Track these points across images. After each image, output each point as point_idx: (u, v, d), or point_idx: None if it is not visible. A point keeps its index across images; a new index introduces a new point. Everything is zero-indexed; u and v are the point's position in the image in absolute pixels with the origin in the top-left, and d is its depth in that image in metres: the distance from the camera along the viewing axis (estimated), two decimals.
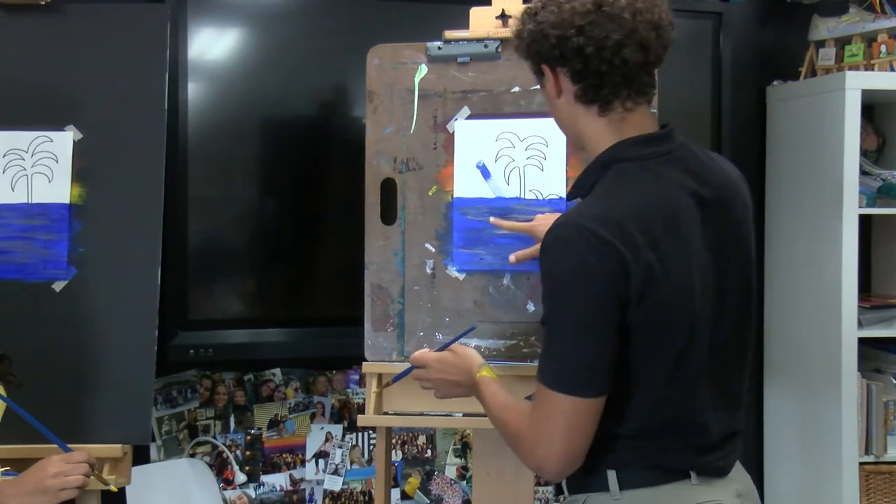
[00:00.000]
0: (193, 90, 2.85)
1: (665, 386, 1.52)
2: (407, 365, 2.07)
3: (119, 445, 2.13)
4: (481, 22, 2.36)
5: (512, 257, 2.19)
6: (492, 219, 2.26)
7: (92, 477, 1.91)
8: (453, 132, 2.35)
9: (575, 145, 1.71)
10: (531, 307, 2.27)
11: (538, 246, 2.02)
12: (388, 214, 2.35)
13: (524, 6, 1.65)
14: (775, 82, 3.39)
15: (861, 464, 3.06)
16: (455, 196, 2.34)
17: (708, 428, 1.57)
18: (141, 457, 2.83)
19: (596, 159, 1.60)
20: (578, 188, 1.62)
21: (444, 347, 1.93)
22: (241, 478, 3.07)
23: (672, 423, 1.54)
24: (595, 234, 1.45)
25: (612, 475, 1.56)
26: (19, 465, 2.00)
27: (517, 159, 2.33)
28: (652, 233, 1.48)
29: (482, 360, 1.85)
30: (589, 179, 1.59)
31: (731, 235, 1.59)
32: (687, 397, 1.54)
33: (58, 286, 2.24)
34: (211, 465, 3.05)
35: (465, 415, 2.29)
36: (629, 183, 1.54)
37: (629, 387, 1.52)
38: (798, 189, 3.24)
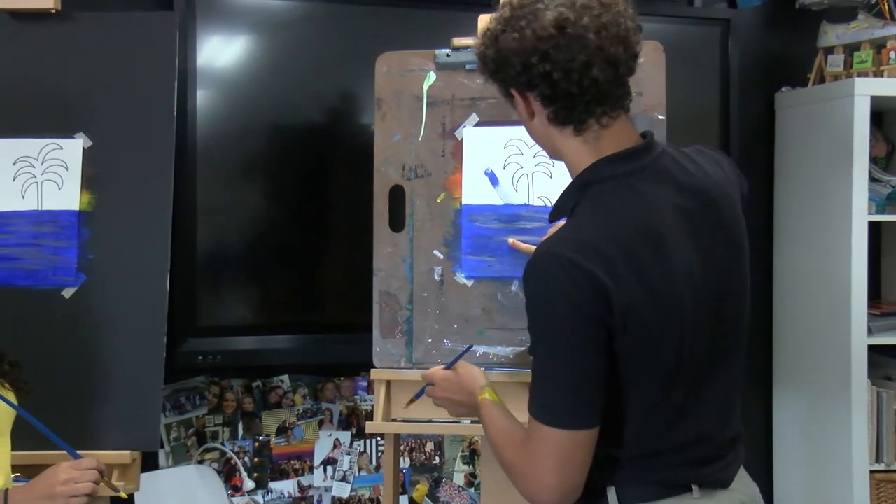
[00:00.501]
0: (202, 97, 2.85)
1: (660, 407, 1.50)
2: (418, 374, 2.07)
3: (128, 452, 2.13)
4: None
5: (510, 239, 2.21)
6: (510, 240, 2.27)
7: (101, 483, 1.91)
8: (461, 139, 2.35)
9: (556, 158, 1.66)
10: None
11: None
12: (397, 221, 2.35)
13: (484, 27, 1.59)
14: (784, 89, 3.39)
15: (872, 472, 3.05)
16: (463, 203, 2.34)
17: (708, 439, 1.56)
18: (149, 463, 2.84)
19: (574, 180, 1.57)
20: (559, 210, 1.59)
21: (450, 365, 1.91)
22: (249, 484, 3.07)
23: (671, 441, 1.53)
24: (575, 263, 1.42)
25: (611, 492, 1.54)
26: (30, 472, 2.00)
27: (525, 166, 2.33)
28: (634, 257, 1.45)
29: (486, 380, 1.81)
30: (569, 201, 1.56)
31: (721, 239, 1.56)
32: (684, 414, 1.52)
33: (67, 293, 2.24)
34: (219, 472, 3.05)
35: (473, 422, 2.29)
36: (608, 206, 1.50)
37: (623, 411, 1.50)
38: (807, 196, 3.24)
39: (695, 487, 1.54)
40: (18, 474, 1.93)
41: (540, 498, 1.50)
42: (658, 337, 1.47)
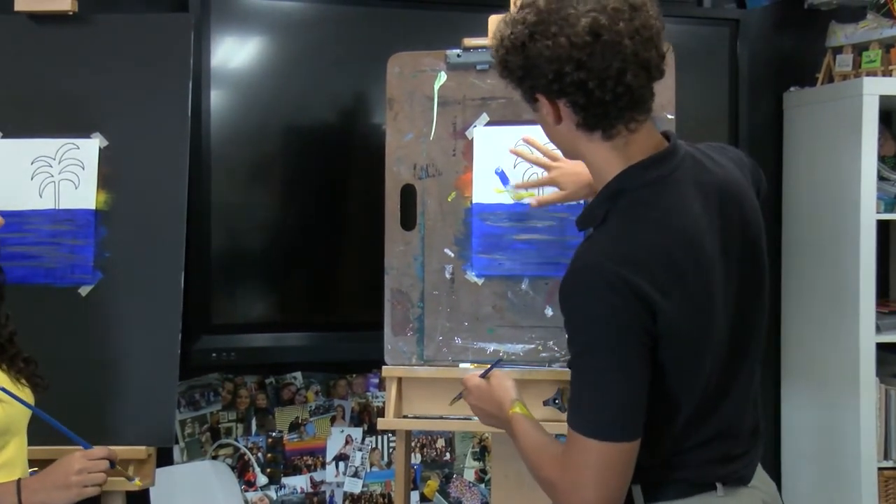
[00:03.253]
0: (216, 97, 2.88)
1: (690, 410, 1.51)
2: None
3: (143, 447, 2.16)
4: None
5: (534, 201, 2.18)
6: (511, 148, 2.25)
7: (116, 472, 1.93)
8: (472, 139, 2.38)
9: (575, 160, 1.66)
10: (549, 311, 2.30)
11: (561, 193, 2.06)
12: (408, 220, 2.38)
13: (502, 30, 1.53)
14: (792, 88, 3.40)
15: (880, 469, 3.06)
16: (474, 202, 2.36)
17: (731, 435, 1.57)
18: (164, 458, 2.86)
19: (604, 189, 1.53)
20: (589, 219, 1.56)
21: (486, 374, 1.85)
22: (262, 480, 3.10)
23: (696, 439, 1.53)
24: (619, 276, 1.41)
25: (637, 490, 1.54)
26: (46, 466, 2.04)
27: (535, 165, 2.35)
28: (675, 266, 1.45)
29: (516, 394, 1.76)
30: (600, 210, 1.53)
31: (742, 236, 1.56)
32: (710, 413, 1.53)
33: (84, 290, 2.27)
34: (233, 467, 3.08)
35: None
36: (644, 215, 1.49)
37: (657, 419, 1.49)
38: (815, 195, 3.25)
39: (719, 485, 1.54)
40: (36, 469, 1.96)
41: None
42: (696, 345, 1.48)
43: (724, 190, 1.56)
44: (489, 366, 1.87)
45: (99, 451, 1.78)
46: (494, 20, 2.40)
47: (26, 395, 1.84)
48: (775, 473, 3.45)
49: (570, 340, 1.47)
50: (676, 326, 1.44)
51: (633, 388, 1.44)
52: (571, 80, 1.44)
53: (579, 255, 1.49)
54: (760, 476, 1.64)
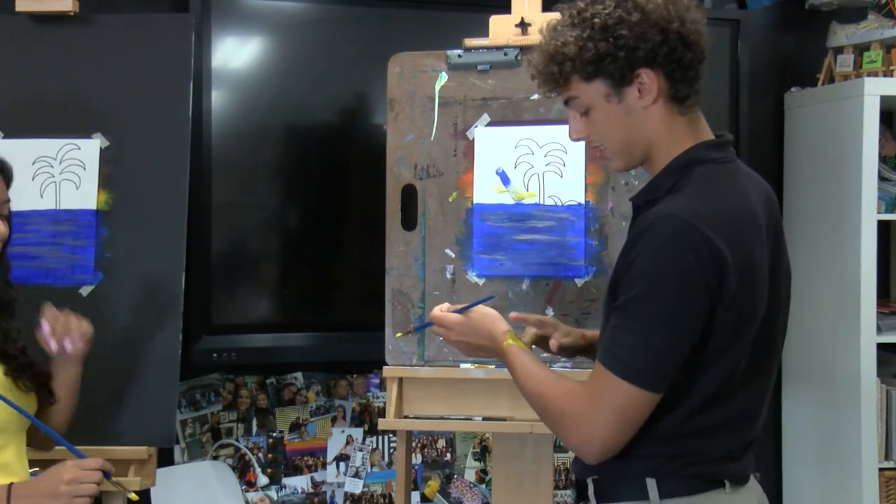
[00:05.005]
0: (217, 98, 2.88)
1: (719, 387, 1.52)
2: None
3: (144, 447, 2.17)
4: (501, 30, 2.39)
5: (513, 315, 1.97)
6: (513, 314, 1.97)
7: (111, 482, 1.93)
8: (473, 139, 2.38)
9: (629, 161, 1.65)
10: (550, 312, 2.30)
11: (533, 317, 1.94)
12: (409, 220, 2.38)
13: (584, 13, 1.57)
14: (793, 89, 3.40)
15: (881, 469, 3.05)
16: (475, 202, 2.37)
17: (748, 429, 1.59)
18: (165, 459, 2.87)
19: (673, 162, 1.58)
20: (655, 189, 1.59)
21: (464, 310, 1.80)
22: (263, 480, 3.10)
23: (718, 424, 1.55)
24: (701, 232, 1.45)
25: (651, 483, 1.55)
26: (48, 466, 2.05)
27: (536, 165, 2.35)
28: (743, 238, 1.50)
29: (507, 325, 1.76)
30: (667, 181, 1.57)
31: (777, 241, 1.62)
32: (736, 398, 1.55)
33: (85, 291, 2.28)
34: (234, 468, 3.08)
35: (484, 419, 2.31)
36: (719, 185, 1.55)
37: (684, 387, 1.51)
38: (816, 195, 3.25)
39: (727, 482, 1.56)
40: (38, 469, 1.96)
41: (588, 448, 1.52)
42: (749, 317, 1.51)
43: (768, 195, 1.64)
44: (472, 302, 1.82)
45: (92, 461, 1.74)
46: (496, 20, 2.40)
47: (29, 399, 1.83)
48: (776, 473, 3.44)
49: (629, 282, 1.49)
50: (734, 295, 1.47)
51: (678, 344, 1.47)
52: (675, 38, 1.54)
53: (657, 211, 1.51)
54: (752, 479, 1.66)
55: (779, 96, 3.44)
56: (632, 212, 1.68)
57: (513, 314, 1.89)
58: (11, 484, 1.71)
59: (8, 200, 1.82)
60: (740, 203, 1.54)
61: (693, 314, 1.46)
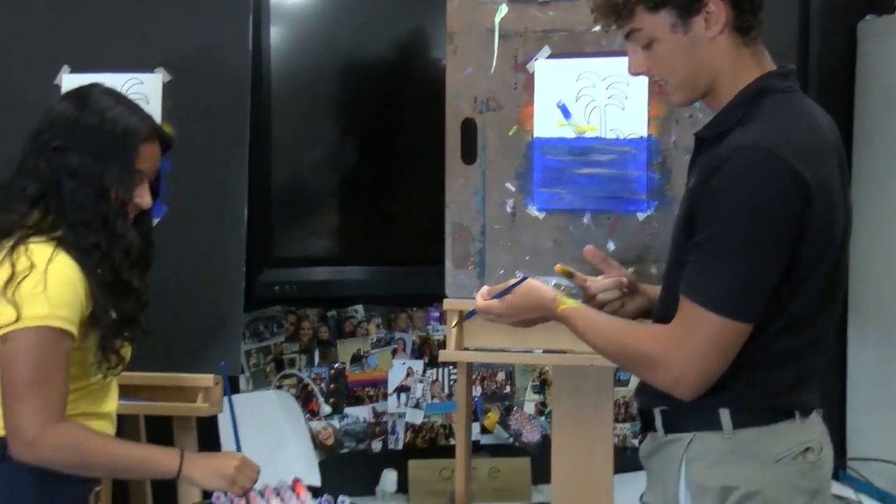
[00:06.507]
0: (276, 34, 2.89)
1: (800, 313, 1.53)
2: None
3: (211, 375, 2.22)
4: None
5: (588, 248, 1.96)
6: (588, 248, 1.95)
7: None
8: (533, 72, 2.35)
9: (691, 94, 1.64)
10: (611, 246, 2.29)
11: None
12: (469, 154, 2.37)
13: None
14: (868, 17, 3.27)
15: None
16: (535, 136, 2.35)
17: (819, 357, 1.60)
18: (232, 387, 2.93)
19: (742, 92, 1.57)
20: (723, 122, 1.58)
21: (501, 294, 1.80)
22: (326, 409, 3.17)
23: (794, 351, 1.55)
24: (782, 159, 1.45)
25: (725, 413, 1.56)
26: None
27: (598, 99, 2.32)
28: (822, 165, 1.50)
29: (553, 290, 1.76)
30: (736, 113, 1.56)
31: (842, 172, 1.60)
32: (814, 324, 1.56)
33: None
34: (297, 397, 3.15)
35: (544, 351, 2.33)
36: (792, 113, 1.54)
37: (764, 315, 1.51)
38: (889, 132, 3.15)
39: (797, 413, 1.57)
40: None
41: (683, 382, 1.52)
42: (829, 244, 1.52)
43: (832, 125, 1.62)
44: (508, 285, 1.80)
45: (254, 463, 1.84)
46: None
47: (126, 349, 1.87)
48: (839, 412, 3.41)
49: (709, 215, 1.49)
50: (816, 221, 1.48)
51: (766, 273, 1.48)
52: None
53: (732, 142, 1.50)
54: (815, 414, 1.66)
55: (851, 26, 3.31)
56: (694, 146, 1.66)
57: (558, 266, 1.90)
58: (184, 450, 1.78)
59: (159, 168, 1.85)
60: (814, 130, 1.54)
61: (779, 242, 1.46)
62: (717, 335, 1.49)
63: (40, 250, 1.68)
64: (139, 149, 1.76)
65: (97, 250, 1.72)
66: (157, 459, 1.77)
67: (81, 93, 1.81)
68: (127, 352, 1.84)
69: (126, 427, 2.26)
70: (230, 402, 1.99)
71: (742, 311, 1.48)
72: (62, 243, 1.70)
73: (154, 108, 2.34)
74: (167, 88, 2.36)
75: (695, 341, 1.50)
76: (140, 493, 2.45)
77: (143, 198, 1.80)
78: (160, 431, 2.30)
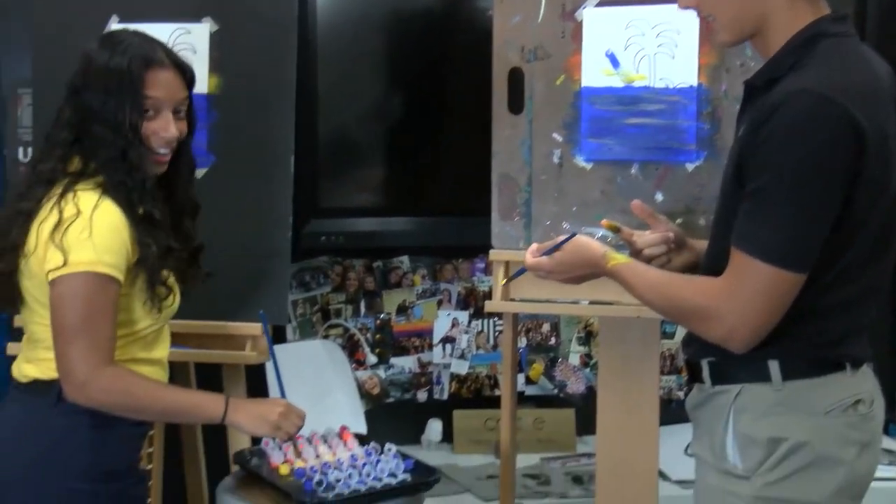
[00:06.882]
0: None
1: (853, 262, 1.51)
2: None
3: (259, 324, 2.24)
4: None
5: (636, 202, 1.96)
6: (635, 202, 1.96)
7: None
8: (582, 20, 2.32)
9: (738, 35, 1.61)
10: (659, 197, 2.26)
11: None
12: (516, 104, 2.35)
13: None
14: None
15: None
16: (583, 85, 2.32)
17: (871, 307, 1.58)
18: (278, 337, 2.97)
19: (797, 36, 1.53)
20: (775, 67, 1.54)
21: (551, 251, 1.79)
22: (372, 359, 3.20)
23: (846, 301, 1.54)
24: (838, 104, 1.42)
25: (774, 365, 1.54)
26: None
27: (647, 47, 2.28)
28: (878, 107, 1.47)
29: (603, 246, 1.75)
30: (790, 58, 1.52)
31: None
32: (866, 274, 1.54)
33: (198, 174, 2.31)
34: (343, 347, 3.17)
35: (591, 302, 2.32)
36: (849, 58, 1.51)
37: (817, 264, 1.49)
38: None
39: (848, 365, 1.56)
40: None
41: (736, 337, 1.51)
42: (880, 193, 1.49)
43: (888, 70, 1.59)
44: (557, 241, 1.80)
45: (300, 410, 1.86)
46: None
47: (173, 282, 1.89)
48: (892, 367, 3.35)
49: (762, 163, 1.46)
50: (871, 168, 1.45)
51: (820, 221, 1.46)
52: None
53: (785, 88, 1.47)
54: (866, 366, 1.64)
55: None
56: (744, 94, 1.63)
57: (604, 221, 1.89)
58: (229, 396, 1.82)
59: (187, 98, 1.84)
60: (871, 76, 1.50)
61: (834, 190, 1.44)
62: (770, 286, 1.47)
63: (86, 197, 1.71)
64: (146, 76, 1.75)
65: (124, 187, 1.73)
66: (202, 405, 1.81)
67: (101, 37, 1.83)
68: (174, 283, 1.85)
69: (177, 374, 2.31)
70: (272, 349, 2.03)
71: (795, 261, 1.46)
72: (105, 189, 1.73)
73: (201, 57, 2.34)
74: (214, 38, 2.36)
75: (747, 292, 1.48)
76: (192, 438, 2.50)
77: (166, 128, 1.78)
78: (210, 379, 2.33)
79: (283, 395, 1.94)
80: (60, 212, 1.69)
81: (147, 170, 1.77)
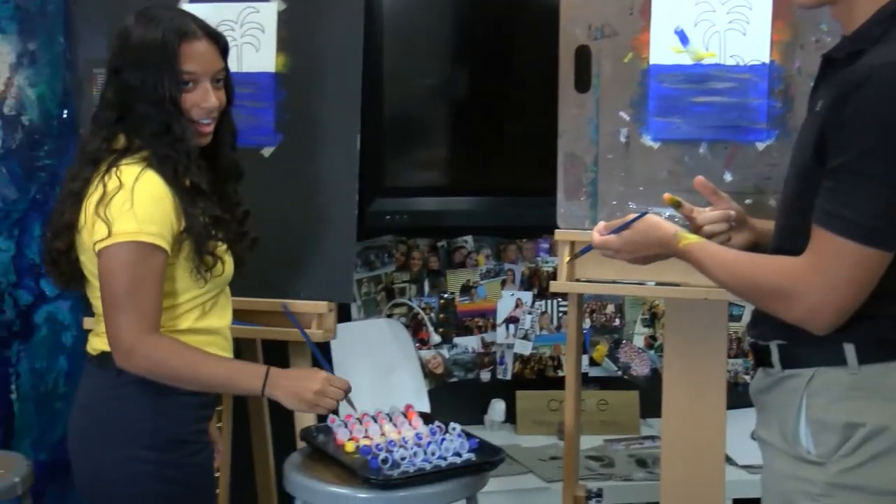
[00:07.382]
0: None
1: None
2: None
3: (325, 302, 2.27)
4: None
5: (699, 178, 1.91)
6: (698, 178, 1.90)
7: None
8: None
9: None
10: (728, 177, 2.23)
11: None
12: (582, 82, 2.33)
13: None
14: None
15: None
16: (651, 63, 2.29)
17: None
18: (343, 315, 2.98)
19: (883, 8, 1.48)
20: (860, 40, 1.50)
21: (619, 230, 1.77)
22: (435, 338, 3.21)
23: None
24: None
25: (850, 348, 1.50)
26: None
27: (718, 24, 2.25)
28: None
29: (674, 225, 1.71)
30: (876, 30, 1.47)
31: None
32: None
33: (266, 152, 2.35)
34: (407, 326, 3.19)
35: (657, 284, 2.29)
36: None
37: None
38: None
39: None
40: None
41: (819, 314, 1.47)
42: None
43: None
44: (627, 220, 1.77)
45: (340, 381, 1.87)
46: None
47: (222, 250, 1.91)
48: None
49: (846, 139, 1.43)
50: None
51: None
52: None
53: (870, 61, 1.43)
54: None
55: None
56: (820, 67, 1.58)
57: (666, 195, 1.83)
58: (270, 368, 1.83)
59: (224, 68, 1.86)
60: None
61: None
62: (855, 264, 1.43)
63: (129, 171, 1.74)
64: (180, 49, 1.76)
65: (170, 160, 1.75)
66: (241, 378, 1.83)
67: (135, 14, 1.84)
68: (224, 252, 1.86)
69: (245, 350, 2.34)
70: (303, 331, 2.10)
71: (882, 239, 1.42)
72: (150, 162, 1.76)
73: (269, 36, 2.36)
74: (282, 17, 2.37)
75: (831, 271, 1.44)
76: (259, 414, 2.53)
77: (206, 99, 1.80)
78: (278, 355, 2.36)
79: (330, 368, 1.95)
80: (104, 186, 1.73)
81: (191, 141, 1.79)
